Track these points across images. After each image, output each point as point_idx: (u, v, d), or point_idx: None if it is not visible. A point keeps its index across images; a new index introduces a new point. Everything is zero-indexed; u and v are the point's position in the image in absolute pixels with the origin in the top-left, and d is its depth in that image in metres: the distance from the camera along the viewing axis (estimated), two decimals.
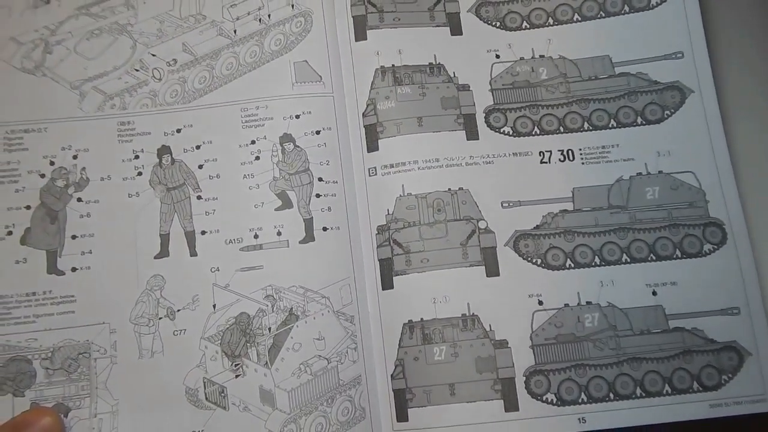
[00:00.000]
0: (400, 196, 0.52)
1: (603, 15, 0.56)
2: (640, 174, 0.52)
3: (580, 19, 0.56)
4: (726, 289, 0.50)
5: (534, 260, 0.51)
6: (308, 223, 0.52)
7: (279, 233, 0.52)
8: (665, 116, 0.53)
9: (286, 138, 0.53)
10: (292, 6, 0.57)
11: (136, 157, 0.53)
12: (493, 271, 0.51)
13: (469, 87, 0.55)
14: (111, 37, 0.56)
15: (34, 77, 0.54)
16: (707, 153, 0.52)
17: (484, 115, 0.54)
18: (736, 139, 0.53)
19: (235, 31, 0.56)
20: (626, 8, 0.56)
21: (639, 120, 0.54)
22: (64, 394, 0.48)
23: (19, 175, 0.52)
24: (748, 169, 0.52)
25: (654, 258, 0.51)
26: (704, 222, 0.51)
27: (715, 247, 0.51)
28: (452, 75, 0.55)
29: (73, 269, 0.50)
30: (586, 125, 0.54)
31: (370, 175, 0.53)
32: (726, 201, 0.51)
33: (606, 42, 0.55)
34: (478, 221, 0.52)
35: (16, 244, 0.50)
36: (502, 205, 0.52)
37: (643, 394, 0.49)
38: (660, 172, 0.52)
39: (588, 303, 0.50)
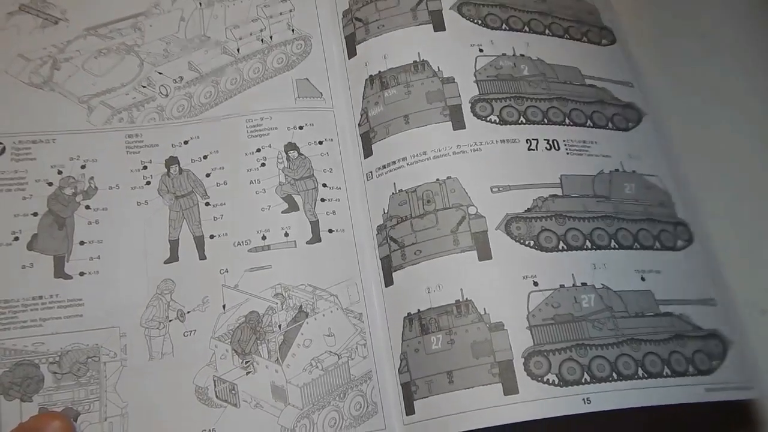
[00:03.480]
0: (393, 194, 0.54)
1: (568, 37, 0.61)
2: (617, 170, 0.55)
3: (550, 33, 0.60)
4: (700, 281, 0.52)
5: (527, 242, 0.52)
6: (314, 226, 0.54)
7: (286, 234, 0.53)
8: (630, 126, 0.58)
9: (291, 146, 0.56)
10: (293, 30, 0.61)
11: (144, 167, 0.54)
12: (485, 254, 0.51)
13: (453, 79, 0.56)
14: (118, 56, 0.58)
15: (42, 91, 0.55)
16: (665, 164, 0.56)
17: (470, 105, 0.55)
18: (688, 153, 0.59)
19: (238, 50, 0.60)
20: (585, 38, 0.61)
21: (609, 125, 0.57)
22: (73, 399, 0.47)
23: (26, 183, 0.52)
24: (701, 178, 0.58)
25: (638, 246, 0.53)
26: (674, 221, 0.54)
27: (686, 243, 0.54)
28: (437, 69, 0.57)
29: (81, 274, 0.50)
30: (567, 120, 0.56)
31: (368, 180, 0.56)
32: (687, 206, 0.55)
33: (573, 57, 0.59)
34: (467, 207, 0.52)
35: (23, 250, 0.50)
36: (491, 190, 0.52)
37: (645, 375, 0.48)
38: (633, 171, 0.55)
39: (583, 284, 0.51)
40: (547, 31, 0.60)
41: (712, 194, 0.58)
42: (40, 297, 0.49)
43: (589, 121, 0.57)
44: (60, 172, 0.53)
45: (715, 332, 0.51)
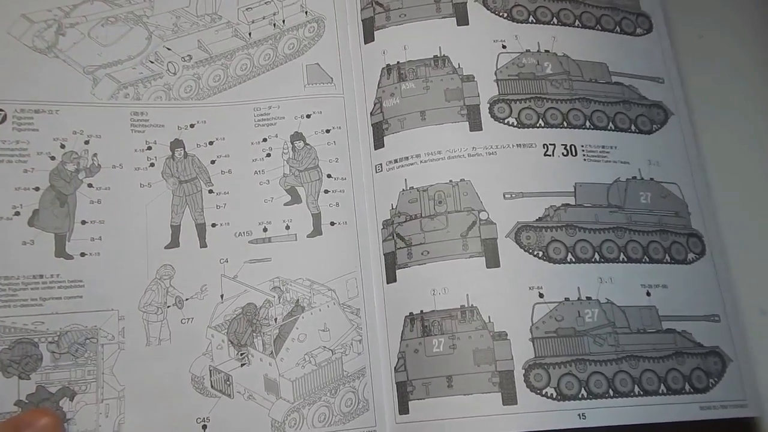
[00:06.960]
0: (403, 190, 0.53)
1: (599, 28, 0.58)
2: (635, 178, 0.54)
3: (580, 25, 0.58)
4: (707, 296, 0.52)
5: (535, 252, 0.51)
6: (316, 218, 0.53)
7: (287, 227, 0.53)
8: (654, 129, 0.56)
9: (297, 136, 0.55)
10: (306, 12, 0.59)
11: (149, 148, 0.53)
12: (493, 262, 0.51)
13: (473, 78, 0.55)
14: (126, 26, 0.56)
15: (45, 57, 0.53)
16: (687, 170, 0.55)
17: (489, 105, 0.54)
18: (712, 159, 0.56)
19: (250, 34, 0.57)
20: (618, 29, 0.59)
21: (632, 127, 0.56)
22: (70, 379, 0.48)
23: (28, 156, 0.51)
24: (723, 187, 0.56)
25: (647, 260, 0.52)
26: (687, 232, 0.54)
27: (697, 256, 0.53)
28: (457, 66, 0.55)
29: (82, 254, 0.50)
30: (587, 123, 0.55)
31: (376, 172, 0.55)
32: (704, 216, 0.54)
33: (603, 52, 0.57)
34: (479, 212, 0.52)
35: (24, 225, 0.50)
36: (504, 197, 0.52)
37: (642, 393, 0.49)
38: (651, 179, 0.54)
39: (588, 298, 0.51)
40: (577, 23, 0.58)
41: (732, 205, 0.56)
42: (41, 276, 0.49)
43: (610, 124, 0.55)
44: (63, 146, 0.52)
45: (716, 350, 0.51)
